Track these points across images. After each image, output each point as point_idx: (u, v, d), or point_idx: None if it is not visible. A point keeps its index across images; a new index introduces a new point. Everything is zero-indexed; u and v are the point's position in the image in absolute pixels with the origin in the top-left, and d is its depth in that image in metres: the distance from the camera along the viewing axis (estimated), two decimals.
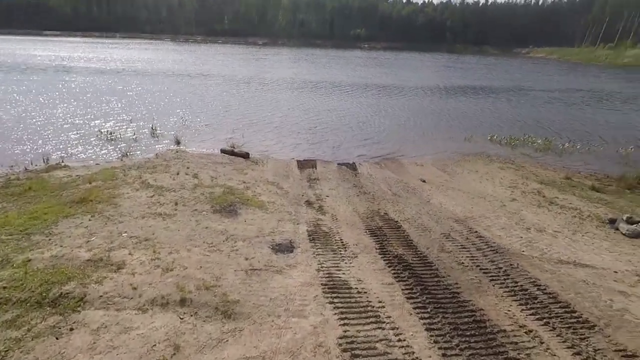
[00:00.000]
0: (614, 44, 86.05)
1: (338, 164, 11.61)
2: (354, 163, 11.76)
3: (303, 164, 11.35)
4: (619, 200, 9.19)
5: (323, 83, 29.72)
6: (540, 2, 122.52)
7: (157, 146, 12.64)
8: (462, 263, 5.94)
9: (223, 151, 12.38)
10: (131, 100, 19.52)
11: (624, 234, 7.21)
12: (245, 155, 11.86)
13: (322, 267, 5.46)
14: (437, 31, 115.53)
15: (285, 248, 5.96)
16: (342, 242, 6.35)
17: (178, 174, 9.27)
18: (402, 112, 19.90)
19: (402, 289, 5.08)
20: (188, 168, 9.93)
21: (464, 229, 7.25)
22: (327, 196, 8.68)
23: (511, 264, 5.99)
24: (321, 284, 5.02)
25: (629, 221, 7.46)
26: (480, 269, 5.80)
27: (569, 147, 14.52)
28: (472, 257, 6.17)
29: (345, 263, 5.65)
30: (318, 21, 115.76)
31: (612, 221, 7.65)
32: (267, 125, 15.96)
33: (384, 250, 6.18)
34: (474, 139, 15.17)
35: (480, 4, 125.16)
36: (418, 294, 5.01)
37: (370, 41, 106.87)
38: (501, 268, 5.86)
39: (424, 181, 10.06)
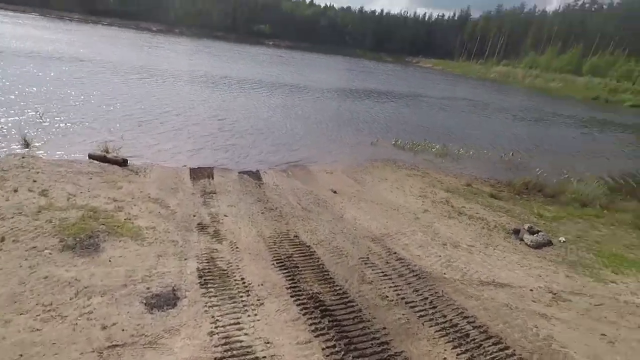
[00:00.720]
0: (484, 60, 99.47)
1: (239, 172, 10.15)
2: (257, 171, 10.41)
3: (197, 173, 9.62)
4: (515, 208, 9.56)
5: (227, 79, 27.50)
6: (427, 17, 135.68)
7: None
8: (387, 297, 5.10)
9: (91, 157, 9.89)
10: None
11: (528, 245, 7.26)
12: (122, 163, 9.61)
13: (216, 327, 4.05)
14: (339, 35, 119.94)
15: (165, 301, 4.38)
16: (243, 283, 5.00)
17: (16, 191, 6.83)
18: (310, 114, 19.10)
19: (323, 349, 3.97)
20: (35, 182, 7.47)
21: (382, 250, 6.50)
22: (226, 215, 7.21)
23: (436, 292, 5.35)
24: (214, 359, 3.62)
25: (531, 231, 7.58)
26: (407, 303, 5.03)
27: (463, 152, 15.29)
28: (395, 286, 5.39)
29: (249, 316, 4.33)
30: (220, 13, 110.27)
31: (517, 232, 7.71)
32: (158, 125, 13.57)
33: (297, 289, 5.02)
34: (380, 143, 15.04)
35: (377, 13, 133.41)
36: (342, 352, 3.96)
37: (274, 39, 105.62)
38: (427, 298, 5.18)
39: (335, 192, 9.22)
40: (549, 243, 7.30)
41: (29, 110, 12.87)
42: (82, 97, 16.10)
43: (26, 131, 10.87)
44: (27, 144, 10.08)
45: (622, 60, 67.45)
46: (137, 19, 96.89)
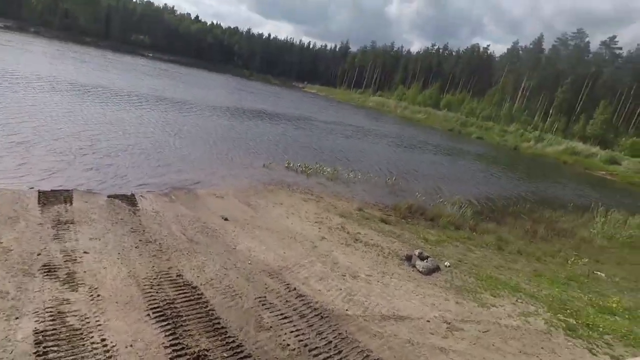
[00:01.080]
0: (362, 90, 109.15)
1: (109, 196, 8.47)
2: (132, 195, 8.84)
3: (49, 198, 7.67)
4: (404, 232, 10.01)
5: (102, 89, 23.93)
6: (312, 46, 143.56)
7: None
8: (288, 345, 4.49)
9: None
10: None
11: (420, 272, 7.49)
12: None
13: None
14: (226, 53, 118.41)
15: None
16: (104, 347, 3.82)
17: None
18: (199, 133, 17.68)
19: None
20: None
21: (280, 286, 5.89)
22: (86, 252, 5.73)
23: (340, 333, 4.95)
24: None
25: (421, 257, 7.88)
26: (310, 351, 4.49)
27: (352, 176, 15.81)
28: (297, 331, 4.81)
29: None
30: (89, 17, 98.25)
31: (409, 258, 7.94)
32: (2, 137, 10.71)
33: (179, 347, 4.05)
34: (272, 166, 14.57)
35: (264, 37, 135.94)
36: None
37: (155, 51, 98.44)
38: (331, 342, 4.73)
39: (226, 219, 8.32)
40: (438, 268, 7.66)
41: None
42: None
43: None
44: None
45: (467, 99, 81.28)
46: None
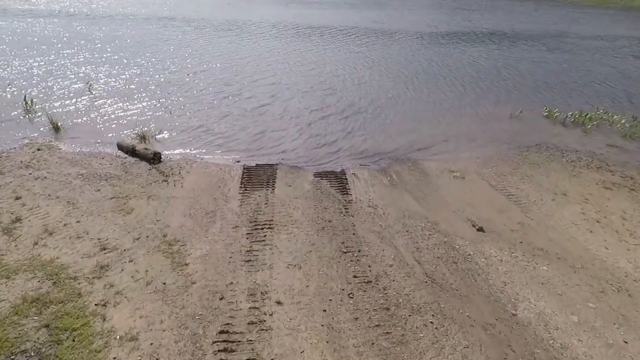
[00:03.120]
0: None
1: (315, 174, 6.56)
2: (343, 172, 6.70)
3: (252, 177, 6.30)
4: None
5: (322, 28, 23.16)
6: None
7: (18, 133, 7.48)
8: None
9: (120, 147, 7.23)
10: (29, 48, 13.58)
11: None
12: (153, 159, 6.70)
13: None
14: None
15: None
16: None
17: None
18: (407, 71, 14.15)
19: None
20: (28, 190, 5.12)
21: None
22: (279, 302, 3.72)
23: None
24: None
25: None
26: None
27: None
28: None
29: None
30: None
31: None
32: (228, 101, 10.37)
33: None
34: (524, 116, 10.02)
35: None
36: None
37: None
38: None
39: (481, 229, 5.12)
40: None
41: (73, 84, 10.62)
42: (149, 55, 13.71)
43: (60, 110, 8.65)
44: (56, 128, 7.77)
45: None
46: None
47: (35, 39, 15.17)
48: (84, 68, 11.88)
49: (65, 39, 15.62)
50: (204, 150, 7.37)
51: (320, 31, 21.27)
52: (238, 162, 7.00)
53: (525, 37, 23.23)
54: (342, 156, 7.42)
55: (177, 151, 7.28)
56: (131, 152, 7.01)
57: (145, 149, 6.92)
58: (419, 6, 38.42)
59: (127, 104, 9.41)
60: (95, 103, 9.30)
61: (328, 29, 22.01)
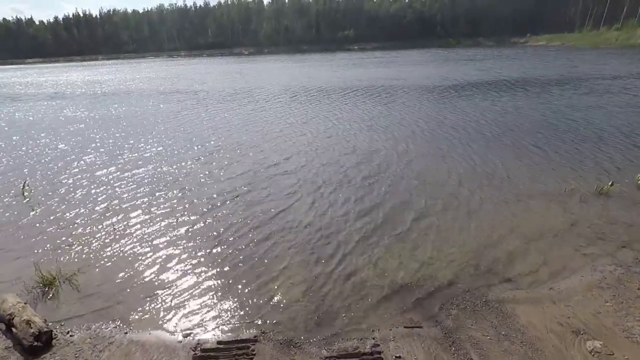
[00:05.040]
0: (620, 24, 79.11)
1: None
2: (376, 351, 3.60)
3: None
4: None
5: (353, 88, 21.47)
6: None
7: None
8: None
9: None
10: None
11: None
12: (31, 347, 3.68)
13: None
14: (428, 26, 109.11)
15: None
16: None
17: None
18: (455, 133, 11.65)
19: None
20: None
21: None
22: None
23: None
24: None
25: None
26: None
27: None
28: None
29: None
30: (303, 26, 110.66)
31: None
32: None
33: None
34: (615, 191, 7.06)
35: None
36: None
37: (359, 42, 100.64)
38: None
39: None
40: None
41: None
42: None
43: None
44: None
45: None
46: (231, 46, 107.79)
47: None
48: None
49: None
50: (135, 315, 4.34)
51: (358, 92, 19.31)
52: (187, 336, 3.95)
53: (538, 83, 21.13)
54: (369, 306, 4.34)
55: (88, 318, 4.26)
56: (7, 324, 4.05)
57: (28, 322, 3.93)
58: (421, 61, 37.65)
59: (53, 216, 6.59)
60: None
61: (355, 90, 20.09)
